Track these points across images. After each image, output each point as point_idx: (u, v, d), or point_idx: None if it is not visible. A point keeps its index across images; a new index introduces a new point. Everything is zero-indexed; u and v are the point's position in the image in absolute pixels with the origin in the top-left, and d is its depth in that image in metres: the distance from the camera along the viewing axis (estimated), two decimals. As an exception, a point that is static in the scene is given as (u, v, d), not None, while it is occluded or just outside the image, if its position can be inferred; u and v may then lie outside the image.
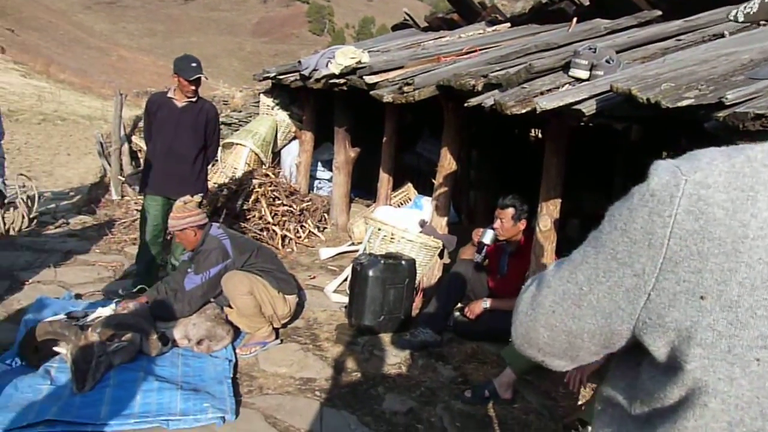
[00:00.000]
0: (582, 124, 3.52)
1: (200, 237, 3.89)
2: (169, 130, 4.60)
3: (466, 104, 3.36)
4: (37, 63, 36.63)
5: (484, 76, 3.61)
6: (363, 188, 7.46)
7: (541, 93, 2.90)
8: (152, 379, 3.31)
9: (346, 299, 4.73)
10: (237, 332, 3.99)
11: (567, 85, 3.00)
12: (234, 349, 3.84)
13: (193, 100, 4.63)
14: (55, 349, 3.46)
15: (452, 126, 4.70)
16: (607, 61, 2.97)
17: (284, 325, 4.20)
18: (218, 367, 3.56)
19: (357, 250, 5.75)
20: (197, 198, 4.16)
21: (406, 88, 4.13)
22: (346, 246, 6.01)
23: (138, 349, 3.58)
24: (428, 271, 4.77)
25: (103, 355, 3.32)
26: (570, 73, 3.07)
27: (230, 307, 3.98)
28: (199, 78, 4.50)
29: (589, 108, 2.69)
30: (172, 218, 3.89)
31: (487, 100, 3.14)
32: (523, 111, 2.83)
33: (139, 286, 4.57)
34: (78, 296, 4.57)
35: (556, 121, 3.38)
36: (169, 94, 4.63)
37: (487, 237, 4.06)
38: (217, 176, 7.09)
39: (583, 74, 3.01)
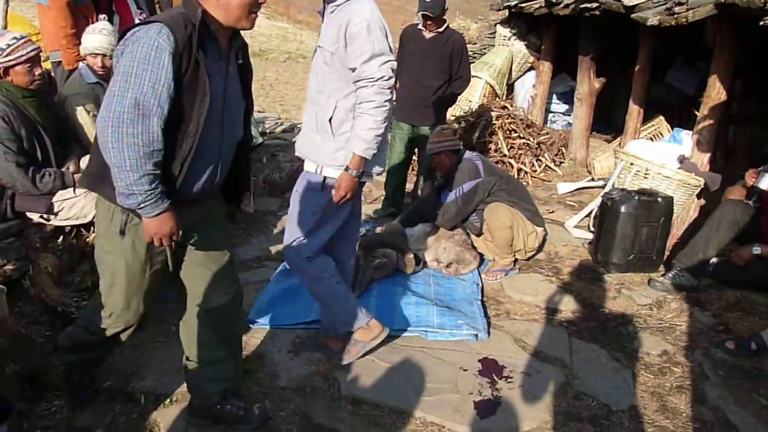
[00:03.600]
0: None
1: (454, 161, 4.04)
2: (416, 61, 4.76)
3: (762, 22, 2.95)
4: (278, 5, 39.99)
5: (780, -11, 3.13)
6: (600, 122, 7.06)
7: None
8: (410, 294, 3.59)
9: (588, 235, 4.62)
10: (482, 258, 4.13)
11: None
12: (479, 273, 3.99)
13: (440, 31, 4.70)
14: (327, 259, 3.91)
15: (725, 51, 4.18)
16: None
17: (529, 258, 4.23)
18: (467, 289, 3.74)
19: (598, 186, 5.53)
20: (454, 125, 4.30)
21: (677, 9, 3.74)
22: (585, 181, 5.80)
23: (394, 267, 3.89)
24: (683, 211, 4.42)
25: (367, 269, 3.67)
26: None
27: (476, 234, 4.15)
28: (428, 13, 4.51)
29: None
30: (430, 142, 4.10)
31: (794, 15, 2.73)
32: None
33: (389, 210, 4.92)
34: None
35: None
36: (420, 26, 4.76)
37: (764, 182, 3.63)
38: (453, 108, 7.21)
39: None
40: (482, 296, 3.72)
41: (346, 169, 2.58)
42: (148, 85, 1.83)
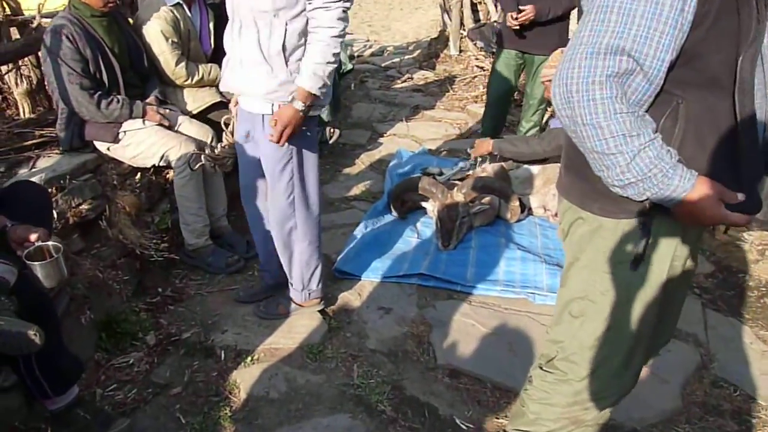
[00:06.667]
0: None
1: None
2: None
3: None
4: None
5: None
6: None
7: None
8: (514, 247, 3.19)
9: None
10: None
11: None
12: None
13: None
14: (421, 203, 3.55)
15: None
16: None
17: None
18: (580, 244, 3.29)
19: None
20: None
21: None
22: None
23: (496, 214, 3.49)
24: None
25: (466, 216, 3.28)
26: None
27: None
28: None
29: None
30: (547, 67, 3.53)
31: None
32: None
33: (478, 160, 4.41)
34: (430, 151, 4.66)
35: None
36: None
37: None
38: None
39: None
40: (597, 252, 3.26)
41: (291, 100, 2.15)
42: (640, 25, 1.15)
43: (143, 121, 2.87)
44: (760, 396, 2.33)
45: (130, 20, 3.19)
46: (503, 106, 4.52)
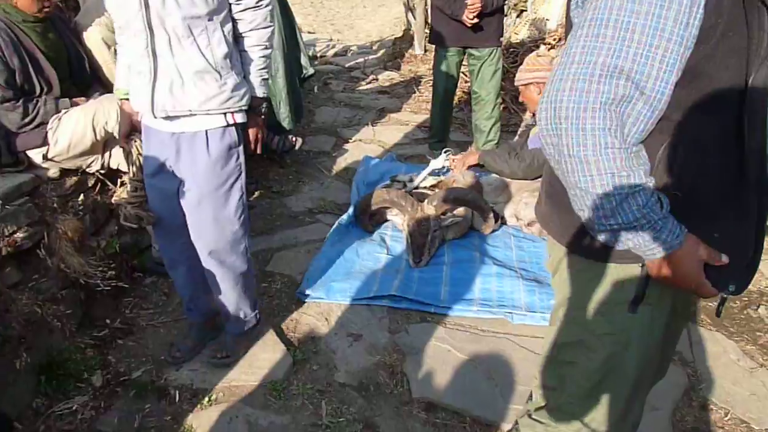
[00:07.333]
0: None
1: (544, 96, 3.33)
2: None
3: None
4: None
5: None
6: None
7: None
8: (489, 262, 3.03)
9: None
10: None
11: None
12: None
13: None
14: (390, 217, 3.37)
15: None
16: None
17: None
18: (556, 256, 3.15)
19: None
20: (552, 53, 3.55)
21: None
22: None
23: (469, 225, 3.32)
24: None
25: (437, 230, 3.11)
26: None
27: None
28: None
29: None
30: (521, 70, 3.34)
31: None
32: None
33: (444, 150, 4.23)
34: (397, 157, 4.48)
35: None
36: None
37: None
38: (525, 27, 6.40)
39: None
40: (574, 265, 3.12)
41: (253, 110, 2.13)
42: (640, 42, 0.99)
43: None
44: (751, 419, 2.22)
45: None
46: (450, 105, 4.52)
